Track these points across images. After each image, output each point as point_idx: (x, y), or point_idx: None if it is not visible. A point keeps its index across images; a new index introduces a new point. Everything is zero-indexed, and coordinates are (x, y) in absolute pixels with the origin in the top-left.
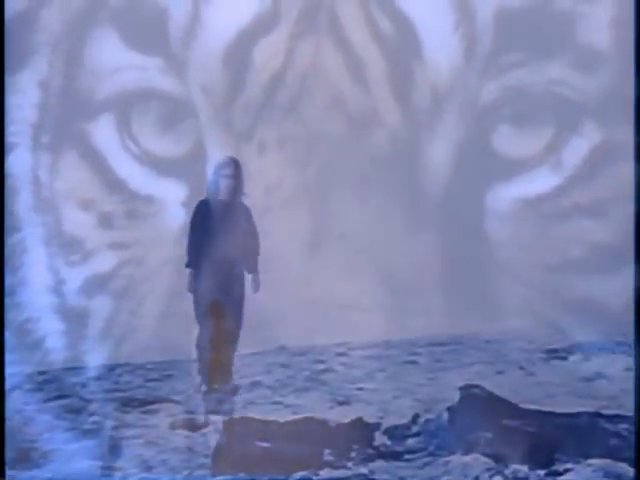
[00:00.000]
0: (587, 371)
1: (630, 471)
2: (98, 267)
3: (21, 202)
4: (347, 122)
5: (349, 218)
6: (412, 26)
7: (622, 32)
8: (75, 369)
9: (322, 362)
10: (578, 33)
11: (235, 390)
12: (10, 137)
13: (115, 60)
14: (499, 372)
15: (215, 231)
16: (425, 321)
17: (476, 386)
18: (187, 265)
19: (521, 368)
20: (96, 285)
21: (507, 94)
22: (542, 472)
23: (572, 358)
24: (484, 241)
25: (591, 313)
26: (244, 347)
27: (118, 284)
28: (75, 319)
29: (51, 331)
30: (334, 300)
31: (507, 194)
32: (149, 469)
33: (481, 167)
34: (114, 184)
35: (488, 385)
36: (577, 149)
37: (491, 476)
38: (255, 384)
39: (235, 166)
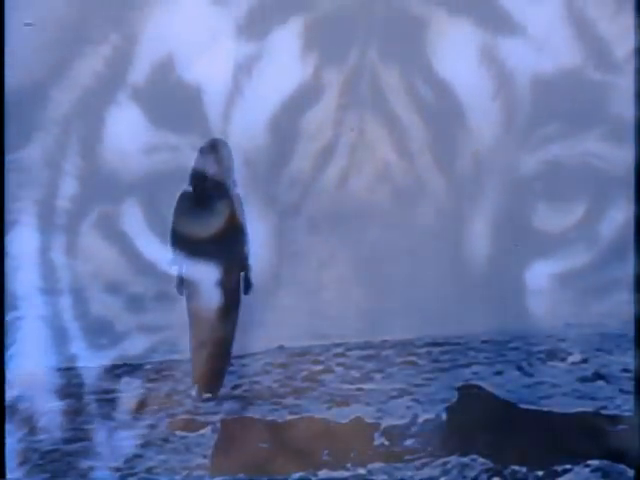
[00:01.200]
0: (585, 371)
1: (629, 472)
2: (128, 350)
3: (20, 282)
4: (394, 194)
5: (401, 293)
6: (453, 93)
7: None
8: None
9: (320, 363)
10: (608, 104)
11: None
12: (10, 215)
13: (142, 140)
14: (497, 372)
15: (201, 224)
16: None
17: (475, 386)
18: (172, 264)
19: (519, 368)
20: (125, 368)
21: (544, 167)
22: (541, 472)
23: (571, 359)
24: (525, 316)
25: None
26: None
27: (150, 367)
28: (97, 400)
29: (48, 410)
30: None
31: (545, 269)
32: (148, 470)
33: (520, 241)
34: (143, 266)
35: (486, 386)
36: (612, 222)
37: (490, 477)
38: (253, 384)
39: (221, 149)
